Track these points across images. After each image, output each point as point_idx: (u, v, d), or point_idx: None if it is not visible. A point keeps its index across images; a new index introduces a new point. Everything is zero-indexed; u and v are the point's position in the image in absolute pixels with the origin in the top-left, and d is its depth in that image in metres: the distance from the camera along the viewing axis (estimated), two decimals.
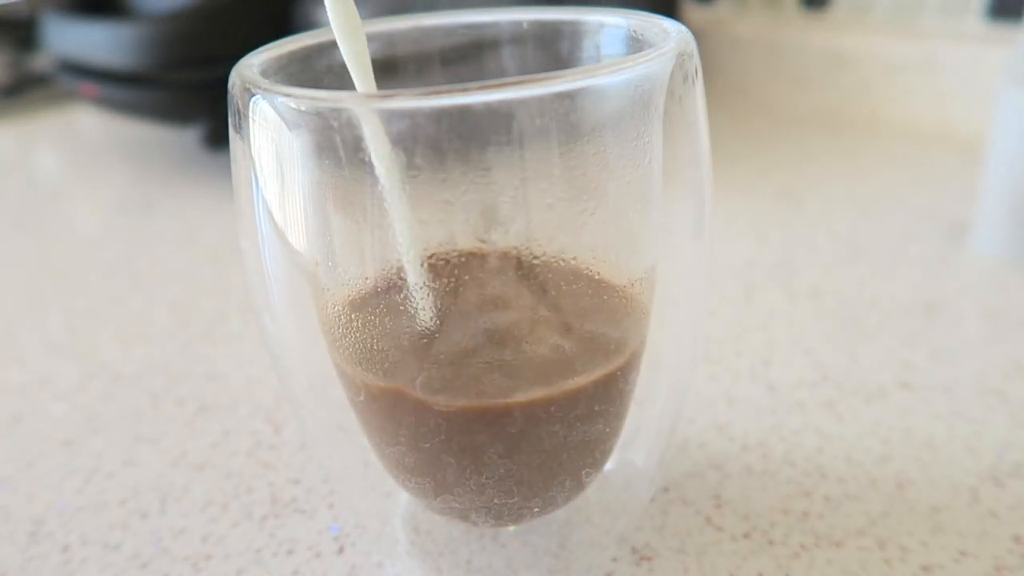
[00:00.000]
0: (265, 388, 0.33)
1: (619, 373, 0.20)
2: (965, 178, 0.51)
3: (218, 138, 0.59)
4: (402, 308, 0.19)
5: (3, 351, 0.37)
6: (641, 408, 0.23)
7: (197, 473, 0.28)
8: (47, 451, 0.30)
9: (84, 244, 0.50)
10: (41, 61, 0.86)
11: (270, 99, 0.17)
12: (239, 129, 0.18)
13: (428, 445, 0.20)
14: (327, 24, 0.19)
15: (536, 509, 0.22)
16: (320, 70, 0.21)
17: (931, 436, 0.28)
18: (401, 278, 0.19)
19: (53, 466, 0.29)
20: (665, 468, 0.27)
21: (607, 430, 0.21)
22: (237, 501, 0.27)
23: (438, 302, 0.18)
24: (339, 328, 0.19)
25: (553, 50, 0.22)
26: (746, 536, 0.24)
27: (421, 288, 0.18)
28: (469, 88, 0.15)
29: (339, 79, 0.21)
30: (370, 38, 0.21)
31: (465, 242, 0.19)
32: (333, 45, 0.21)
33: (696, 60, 0.19)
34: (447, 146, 0.17)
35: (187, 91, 0.55)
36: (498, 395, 0.18)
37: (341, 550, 0.25)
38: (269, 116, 0.17)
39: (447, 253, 0.19)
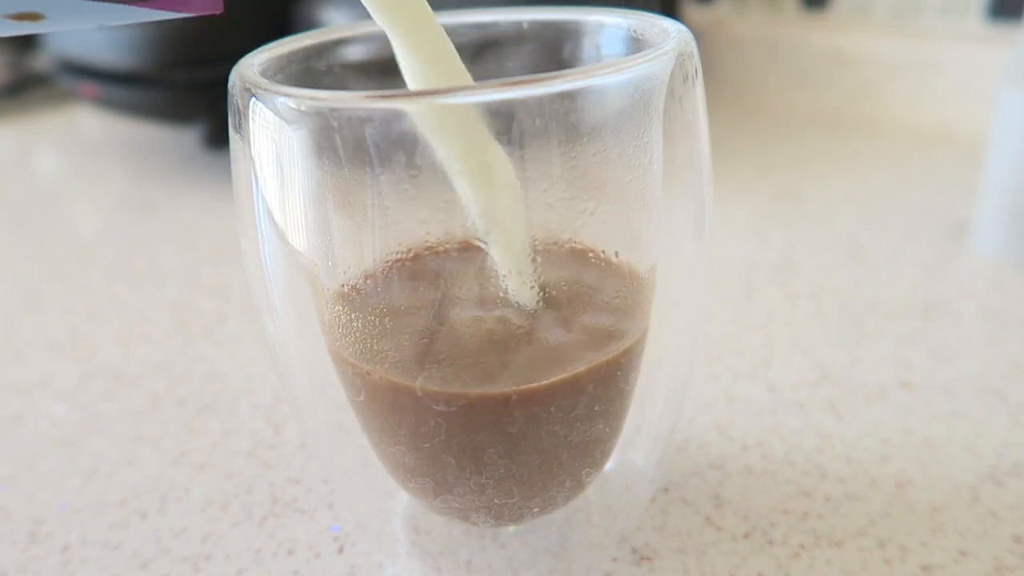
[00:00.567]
0: (265, 388, 0.33)
1: (619, 373, 0.20)
2: (965, 178, 0.51)
3: (218, 138, 0.59)
4: (402, 308, 0.19)
5: (3, 351, 0.37)
6: (641, 408, 0.23)
7: (197, 473, 0.28)
8: (47, 451, 0.30)
9: (84, 244, 0.50)
10: (41, 61, 0.86)
11: (270, 99, 0.17)
12: (239, 129, 0.18)
13: (428, 445, 0.20)
14: (327, 24, 0.19)
15: (536, 509, 0.22)
16: (320, 70, 0.21)
17: (931, 436, 0.28)
18: (401, 278, 0.19)
19: (53, 466, 0.29)
20: (665, 468, 0.27)
21: (607, 430, 0.21)
22: (237, 501, 0.27)
23: (435, 294, 0.19)
24: (339, 328, 0.19)
25: (553, 50, 0.22)
26: (746, 536, 0.24)
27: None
28: (469, 88, 0.15)
29: (339, 79, 0.21)
30: (371, 38, 0.21)
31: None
32: (333, 45, 0.21)
33: (696, 60, 0.19)
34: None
35: (187, 91, 0.55)
36: (499, 385, 0.18)
37: (341, 550, 0.25)
38: (269, 116, 0.17)
39: (443, 244, 0.19)
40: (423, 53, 0.18)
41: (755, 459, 0.28)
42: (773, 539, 0.24)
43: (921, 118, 0.63)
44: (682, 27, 0.19)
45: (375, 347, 0.19)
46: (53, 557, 0.25)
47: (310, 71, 0.21)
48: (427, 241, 0.19)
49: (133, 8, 0.14)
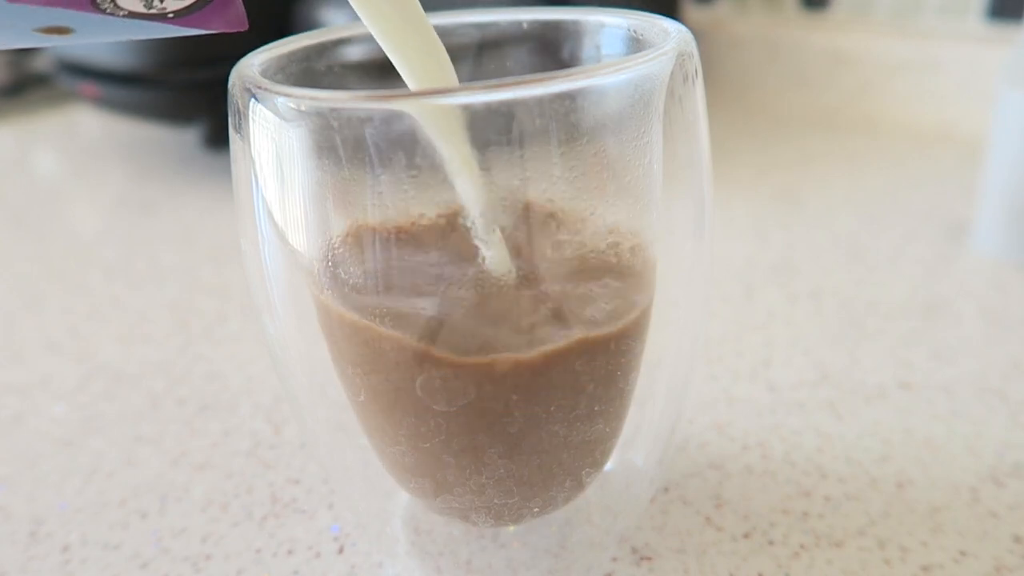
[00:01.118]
0: (265, 388, 0.33)
1: (619, 373, 0.20)
2: (965, 178, 0.51)
3: (218, 138, 0.59)
4: (402, 307, 0.19)
5: (3, 351, 0.37)
6: (641, 408, 0.23)
7: (197, 473, 0.28)
8: (47, 451, 0.30)
9: (84, 244, 0.50)
10: (41, 61, 0.86)
11: (270, 99, 0.17)
12: (239, 129, 0.18)
13: (428, 445, 0.20)
14: (327, 24, 0.19)
15: (536, 509, 0.22)
16: (320, 70, 0.21)
17: (931, 436, 0.28)
18: (401, 276, 0.19)
19: (53, 466, 0.29)
20: (665, 468, 0.27)
21: (607, 430, 0.21)
22: (237, 501, 0.27)
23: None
24: (339, 328, 0.19)
25: (553, 50, 0.22)
26: (746, 536, 0.24)
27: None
28: (469, 88, 0.15)
29: (339, 79, 0.21)
30: (371, 38, 0.21)
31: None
32: (333, 45, 0.21)
33: (696, 60, 0.19)
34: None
35: (187, 91, 0.55)
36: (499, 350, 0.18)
37: (341, 550, 0.25)
38: (269, 116, 0.17)
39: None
40: (413, 54, 0.18)
41: (755, 459, 0.28)
42: (773, 539, 0.24)
43: (921, 118, 0.63)
44: (682, 27, 0.19)
45: (375, 347, 0.19)
46: (53, 557, 0.25)
47: (310, 71, 0.21)
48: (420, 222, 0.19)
49: (160, 24, 0.14)
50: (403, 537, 0.25)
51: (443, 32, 0.22)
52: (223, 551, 0.25)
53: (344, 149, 0.17)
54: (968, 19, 0.61)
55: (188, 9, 0.15)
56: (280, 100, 0.17)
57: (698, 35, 0.19)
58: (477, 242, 0.18)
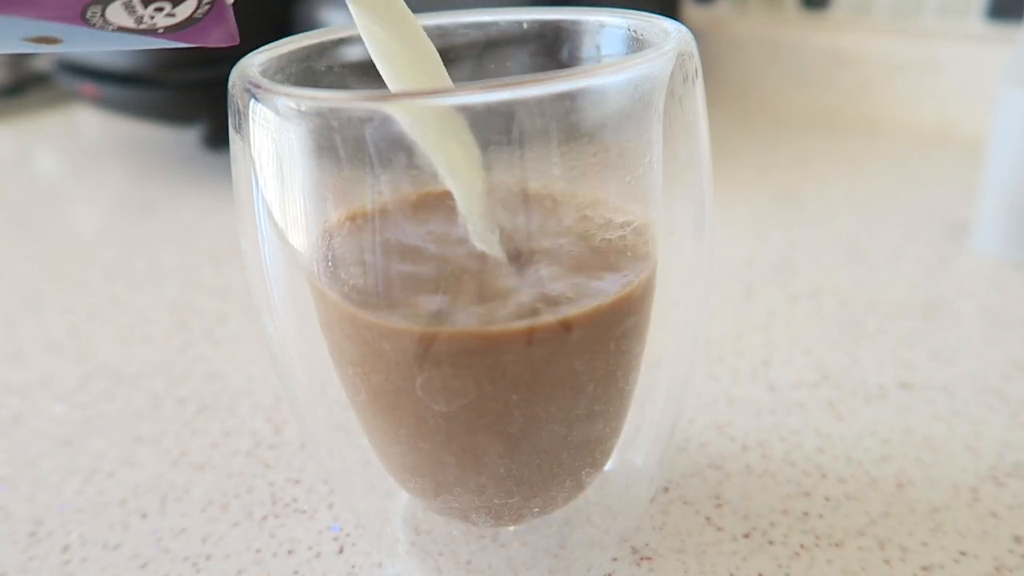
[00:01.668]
0: (265, 388, 0.33)
1: (619, 373, 0.20)
2: (965, 178, 0.51)
3: (218, 138, 0.59)
4: (402, 307, 0.19)
5: (3, 351, 0.37)
6: (641, 408, 0.23)
7: (197, 473, 0.28)
8: (47, 451, 0.30)
9: (84, 244, 0.50)
10: (41, 61, 0.86)
11: (270, 99, 0.17)
12: (239, 129, 0.18)
13: (428, 445, 0.20)
14: (327, 24, 0.19)
15: (536, 509, 0.22)
16: (320, 70, 0.21)
17: (931, 436, 0.28)
18: (400, 275, 0.19)
19: (53, 466, 0.29)
20: (665, 468, 0.27)
21: (607, 430, 0.21)
22: (237, 501, 0.27)
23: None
24: (339, 328, 0.19)
25: (553, 50, 0.22)
26: (746, 536, 0.24)
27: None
28: (469, 88, 0.15)
29: (339, 79, 0.21)
30: None
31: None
32: (333, 45, 0.21)
33: (696, 60, 0.19)
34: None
35: (187, 91, 0.55)
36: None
37: (341, 550, 0.25)
38: (269, 116, 0.17)
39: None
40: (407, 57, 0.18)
41: (755, 459, 0.28)
42: (773, 539, 0.24)
43: (921, 118, 0.63)
44: (682, 27, 0.19)
45: (375, 347, 0.19)
46: (53, 557, 0.25)
47: (310, 71, 0.21)
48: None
49: (148, 38, 0.15)
50: (403, 537, 0.25)
51: (443, 32, 0.22)
52: (223, 551, 0.25)
53: (344, 149, 0.17)
54: (968, 19, 0.61)
55: (179, 25, 0.15)
56: (280, 100, 0.17)
57: (698, 35, 0.19)
58: (474, 240, 0.18)
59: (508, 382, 0.18)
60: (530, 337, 0.18)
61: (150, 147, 0.68)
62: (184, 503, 0.27)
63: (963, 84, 0.60)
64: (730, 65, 0.72)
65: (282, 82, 0.20)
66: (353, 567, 0.24)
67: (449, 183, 0.18)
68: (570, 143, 0.17)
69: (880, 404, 0.30)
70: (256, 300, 0.21)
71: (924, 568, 0.23)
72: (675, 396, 0.23)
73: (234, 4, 0.15)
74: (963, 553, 0.23)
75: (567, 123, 0.16)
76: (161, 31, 0.14)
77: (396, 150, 0.17)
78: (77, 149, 0.70)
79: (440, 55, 0.19)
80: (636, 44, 0.20)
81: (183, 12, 0.14)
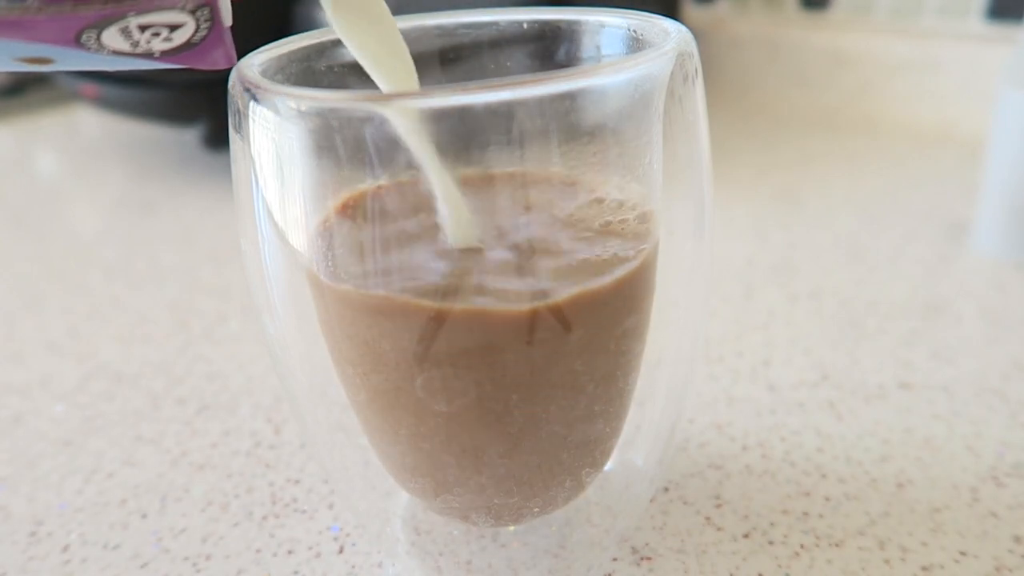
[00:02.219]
0: (265, 388, 0.33)
1: (619, 373, 0.20)
2: (965, 178, 0.51)
3: (218, 138, 0.59)
4: (404, 311, 0.19)
5: (3, 351, 0.37)
6: (641, 408, 0.23)
7: (197, 473, 0.28)
8: (47, 451, 0.30)
9: (84, 244, 0.50)
10: None
11: (270, 99, 0.17)
12: (239, 129, 0.18)
13: (428, 445, 0.20)
14: (327, 24, 0.19)
15: (536, 509, 0.22)
16: (320, 70, 0.21)
17: (931, 436, 0.28)
18: (401, 276, 0.19)
19: (53, 466, 0.29)
20: (665, 468, 0.27)
21: (607, 430, 0.21)
22: (237, 501, 0.27)
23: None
24: (339, 328, 0.19)
25: (553, 50, 0.22)
26: (746, 536, 0.24)
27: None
28: (469, 88, 0.15)
29: (339, 79, 0.21)
30: None
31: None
32: (333, 45, 0.21)
33: (696, 60, 0.19)
34: (447, 146, 0.17)
35: (187, 91, 0.55)
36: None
37: (341, 550, 0.25)
38: (269, 116, 0.17)
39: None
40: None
41: (755, 459, 0.28)
42: (773, 539, 0.24)
43: (921, 118, 0.63)
44: (682, 27, 0.19)
45: (375, 347, 0.19)
46: (53, 557, 0.25)
47: (310, 71, 0.21)
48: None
49: (143, 60, 0.15)
50: (403, 537, 0.25)
51: (443, 32, 0.22)
52: (223, 551, 0.25)
53: (344, 149, 0.17)
54: (968, 19, 0.61)
55: (176, 50, 0.15)
56: (280, 100, 0.17)
57: (698, 35, 0.19)
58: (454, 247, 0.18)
59: (508, 382, 0.18)
60: (532, 324, 0.17)
61: (150, 147, 0.68)
62: (184, 503, 0.27)
63: (963, 84, 0.60)
64: (730, 65, 0.72)
65: (282, 82, 0.20)
66: (353, 567, 0.24)
67: (433, 180, 0.18)
68: (570, 143, 0.17)
69: (880, 404, 0.30)
70: (256, 300, 0.21)
71: (924, 568, 0.23)
72: (675, 396, 0.23)
73: (235, 4, 0.15)
74: (963, 553, 0.23)
75: (567, 123, 0.16)
76: (157, 55, 0.14)
77: (396, 150, 0.17)
78: (77, 149, 0.70)
79: (440, 55, 0.19)
80: (636, 44, 0.20)
81: (180, 37, 0.14)
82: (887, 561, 0.23)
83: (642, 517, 0.25)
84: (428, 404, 0.19)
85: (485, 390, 0.18)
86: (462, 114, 0.16)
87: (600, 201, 0.20)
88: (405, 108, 0.16)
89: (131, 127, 0.72)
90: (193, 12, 0.14)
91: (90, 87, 0.57)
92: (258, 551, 0.25)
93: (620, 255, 0.19)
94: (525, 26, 0.22)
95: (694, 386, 0.30)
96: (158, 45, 0.14)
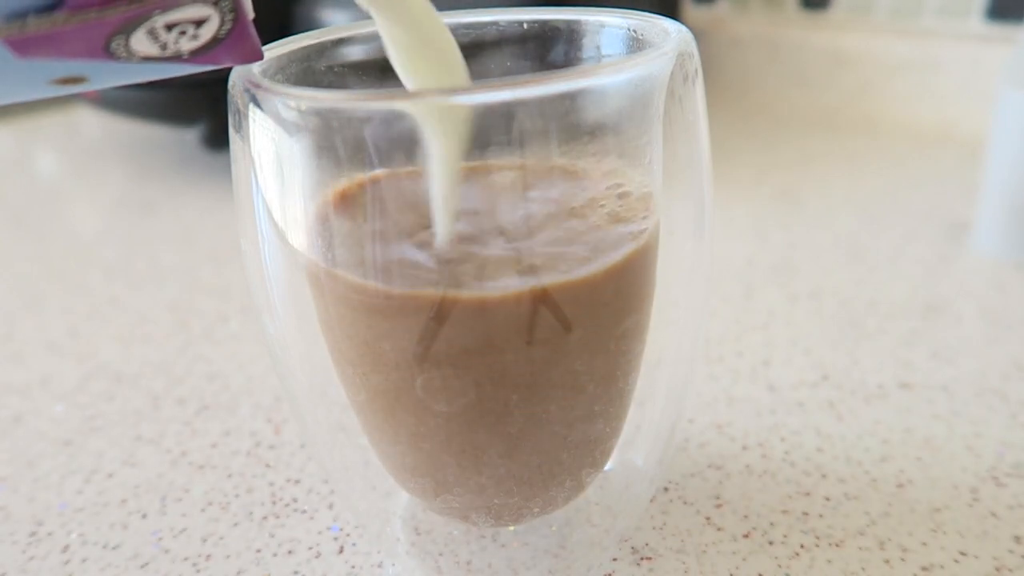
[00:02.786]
0: (265, 388, 0.33)
1: (619, 373, 0.20)
2: (965, 178, 0.51)
3: (218, 138, 0.59)
4: (403, 308, 0.19)
5: (3, 351, 0.37)
6: (641, 408, 0.23)
7: (197, 473, 0.28)
8: (47, 451, 0.30)
9: (84, 244, 0.50)
10: None
11: (270, 99, 0.17)
12: (239, 129, 0.18)
13: (428, 445, 0.20)
14: (327, 24, 0.19)
15: (536, 509, 0.22)
16: (320, 70, 0.21)
17: (931, 436, 0.28)
18: (401, 276, 0.19)
19: (53, 466, 0.29)
20: (665, 468, 0.27)
21: (607, 430, 0.21)
22: (237, 501, 0.27)
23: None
24: (339, 328, 0.19)
25: (553, 50, 0.22)
26: (746, 536, 0.24)
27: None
28: (469, 88, 0.15)
29: (339, 79, 0.21)
30: (371, 38, 0.21)
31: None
32: (333, 45, 0.21)
33: (696, 60, 0.19)
34: None
35: (187, 91, 0.55)
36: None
37: (341, 550, 0.25)
38: (269, 116, 0.17)
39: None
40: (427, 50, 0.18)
41: (755, 459, 0.28)
42: (773, 539, 0.24)
43: (921, 118, 0.63)
44: (682, 27, 0.19)
45: (375, 347, 0.19)
46: (53, 557, 0.25)
47: (310, 71, 0.21)
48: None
49: (175, 64, 0.15)
50: (403, 537, 0.25)
51: None
52: (223, 551, 0.25)
53: (344, 149, 0.17)
54: (968, 19, 0.61)
55: (204, 48, 0.15)
56: (280, 100, 0.17)
57: (698, 35, 0.19)
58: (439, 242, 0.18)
59: (508, 382, 0.18)
60: (530, 316, 0.17)
61: (150, 147, 0.68)
62: (184, 503, 0.27)
63: (963, 84, 0.60)
64: (730, 65, 0.72)
65: (282, 82, 0.20)
66: (353, 567, 0.24)
67: (436, 169, 0.18)
68: (570, 143, 0.17)
69: (880, 404, 0.30)
70: (256, 300, 0.21)
71: (924, 568, 0.23)
72: (675, 396, 0.23)
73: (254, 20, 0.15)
74: (963, 553, 0.23)
75: (567, 123, 0.16)
76: (186, 56, 0.14)
77: (396, 150, 0.17)
78: (77, 149, 0.70)
79: None
80: (636, 44, 0.20)
81: (207, 33, 0.14)
82: (887, 561, 0.23)
83: (642, 517, 0.25)
84: (428, 404, 0.19)
85: (485, 390, 0.18)
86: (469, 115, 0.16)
87: (600, 189, 0.20)
88: (402, 109, 0.16)
89: (131, 127, 0.72)
90: (216, 4, 0.14)
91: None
92: (258, 551, 0.25)
93: (618, 243, 0.19)
94: (525, 26, 0.22)
95: (694, 386, 0.30)
96: (186, 45, 0.14)
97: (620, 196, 0.20)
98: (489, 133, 0.16)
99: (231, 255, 0.47)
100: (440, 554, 0.24)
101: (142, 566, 0.24)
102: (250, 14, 0.15)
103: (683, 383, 0.23)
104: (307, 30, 0.21)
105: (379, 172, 0.18)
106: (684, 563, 0.23)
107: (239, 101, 0.18)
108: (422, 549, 0.24)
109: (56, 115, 0.79)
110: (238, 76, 0.18)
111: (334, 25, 0.22)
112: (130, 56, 0.14)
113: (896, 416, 0.29)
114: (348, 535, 0.25)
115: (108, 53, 0.13)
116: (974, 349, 0.33)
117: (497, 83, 0.15)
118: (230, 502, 0.27)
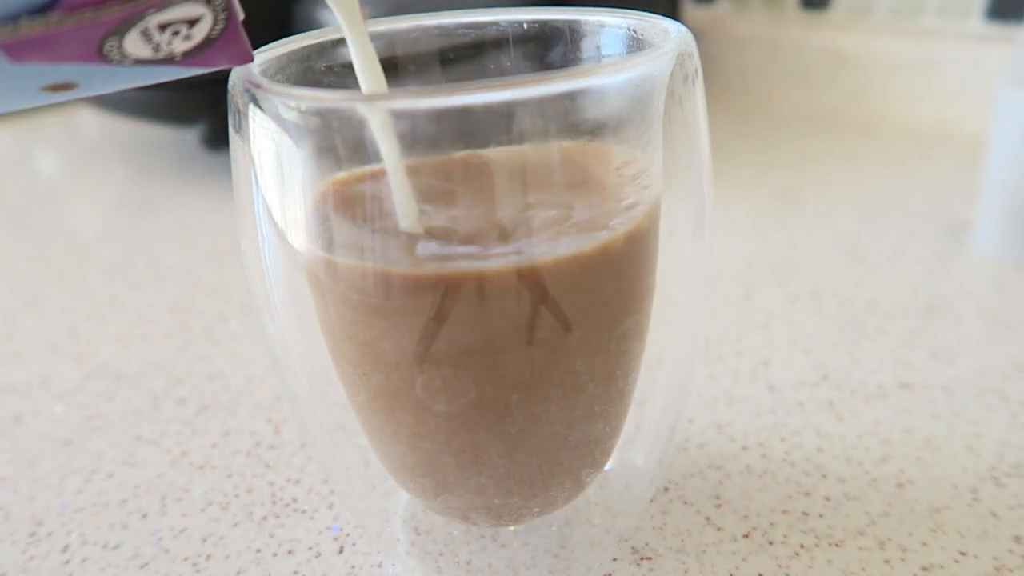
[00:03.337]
0: (265, 388, 0.33)
1: (619, 373, 0.20)
2: (965, 178, 0.51)
3: (218, 138, 0.59)
4: (403, 307, 0.19)
5: (3, 351, 0.37)
6: (641, 408, 0.23)
7: (197, 473, 0.28)
8: (47, 451, 0.30)
9: (84, 244, 0.50)
10: None
11: (270, 99, 0.17)
12: (239, 129, 0.18)
13: (428, 445, 0.20)
14: (327, 24, 0.19)
15: (536, 509, 0.22)
16: (320, 70, 0.21)
17: (931, 436, 0.28)
18: (401, 275, 0.19)
19: (53, 466, 0.29)
20: (665, 468, 0.27)
21: (607, 430, 0.21)
22: (237, 501, 0.27)
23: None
24: (339, 328, 0.19)
25: (553, 50, 0.22)
26: (746, 536, 0.24)
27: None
28: (469, 88, 0.15)
29: (339, 79, 0.21)
30: (371, 38, 0.21)
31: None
32: (333, 45, 0.21)
33: (696, 60, 0.19)
34: (447, 146, 0.17)
35: (187, 91, 0.55)
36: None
37: (341, 550, 0.25)
38: (269, 116, 0.17)
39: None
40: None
41: (755, 459, 0.28)
42: (773, 539, 0.24)
43: (921, 118, 0.63)
44: (682, 27, 0.19)
45: (375, 347, 0.19)
46: (53, 557, 0.25)
47: (310, 71, 0.21)
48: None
49: (168, 67, 0.14)
50: (403, 537, 0.25)
51: (443, 32, 0.22)
52: (223, 551, 0.25)
53: (344, 149, 0.17)
54: (968, 19, 0.61)
55: (196, 49, 0.14)
56: (280, 100, 0.17)
57: (698, 35, 0.19)
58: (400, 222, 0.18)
59: (508, 382, 0.18)
60: (532, 322, 0.17)
61: (150, 147, 0.68)
62: (184, 503, 0.27)
63: (963, 84, 0.60)
64: (730, 65, 0.72)
65: (282, 82, 0.20)
66: (353, 567, 0.24)
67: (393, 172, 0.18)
68: (570, 143, 0.17)
69: (880, 404, 0.30)
70: (256, 300, 0.21)
71: (924, 568, 0.23)
72: (675, 396, 0.23)
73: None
74: (963, 553, 0.23)
75: (567, 123, 0.16)
76: (179, 58, 0.14)
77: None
78: (77, 149, 0.70)
79: (440, 55, 0.19)
80: (636, 44, 0.20)
81: (199, 33, 0.14)
82: (887, 561, 0.23)
83: (642, 517, 0.25)
84: (428, 404, 0.19)
85: (485, 390, 0.18)
86: (462, 114, 0.16)
87: (597, 169, 0.20)
88: (402, 109, 0.16)
89: (131, 127, 0.72)
90: (209, 2, 0.14)
91: None
92: (258, 551, 0.25)
93: (611, 224, 0.18)
94: (525, 26, 0.22)
95: (694, 386, 0.30)
96: (179, 46, 0.14)
97: (617, 170, 0.19)
98: (489, 133, 0.16)
99: (231, 255, 0.47)
100: (440, 554, 0.24)
101: (142, 566, 0.24)
102: (241, 15, 0.15)
103: (683, 383, 0.23)
104: (307, 30, 0.21)
105: (377, 167, 0.18)
106: (684, 563, 0.23)
107: (239, 101, 0.18)
108: (422, 549, 0.24)
109: (56, 115, 0.79)
110: (238, 76, 0.18)
111: (334, 25, 0.22)
112: (123, 59, 0.14)
113: (896, 416, 0.29)
114: (348, 535, 0.25)
115: (101, 56, 0.13)
116: (974, 349, 0.33)
117: (497, 83, 0.15)
118: (230, 502, 0.27)
